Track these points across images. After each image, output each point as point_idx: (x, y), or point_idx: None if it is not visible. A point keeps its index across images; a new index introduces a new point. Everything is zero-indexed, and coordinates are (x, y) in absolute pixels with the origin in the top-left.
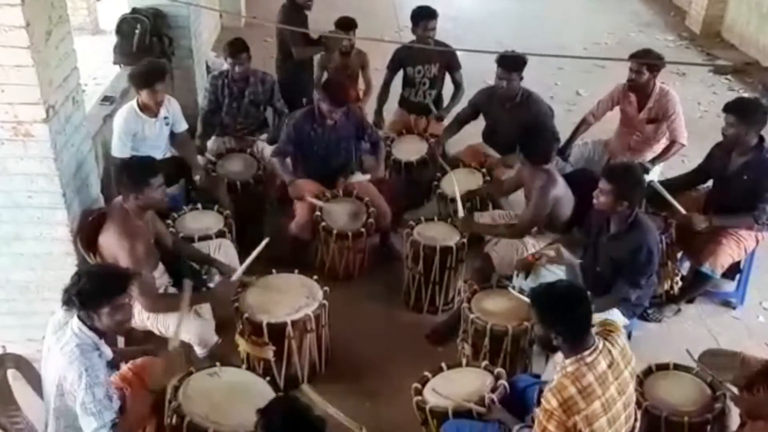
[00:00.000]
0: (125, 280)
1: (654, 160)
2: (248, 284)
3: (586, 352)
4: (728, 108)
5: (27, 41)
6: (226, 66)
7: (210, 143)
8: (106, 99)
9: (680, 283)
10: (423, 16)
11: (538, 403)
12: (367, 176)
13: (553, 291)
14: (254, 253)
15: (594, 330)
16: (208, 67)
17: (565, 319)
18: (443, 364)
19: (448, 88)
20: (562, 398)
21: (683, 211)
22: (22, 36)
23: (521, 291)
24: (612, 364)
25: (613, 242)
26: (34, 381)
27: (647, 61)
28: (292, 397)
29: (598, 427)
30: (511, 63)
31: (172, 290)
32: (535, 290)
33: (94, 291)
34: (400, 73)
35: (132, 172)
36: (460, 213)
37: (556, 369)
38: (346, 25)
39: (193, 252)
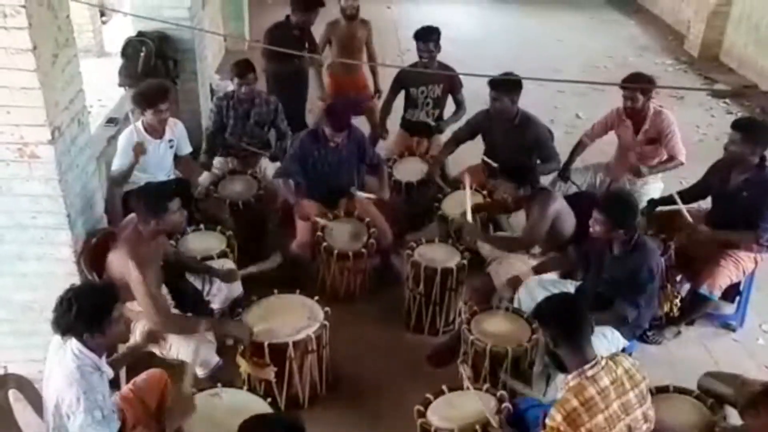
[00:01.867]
0: (113, 289)
1: (652, 168)
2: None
3: (587, 366)
4: (736, 126)
5: (34, 64)
6: (230, 87)
7: (215, 163)
8: (111, 121)
9: (679, 305)
10: (426, 35)
11: (544, 426)
12: (371, 195)
13: (559, 299)
14: (265, 264)
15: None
16: (212, 89)
17: (563, 321)
18: (444, 387)
19: (449, 109)
20: (566, 411)
21: (690, 219)
22: (29, 59)
23: (522, 312)
24: (615, 381)
25: (615, 263)
26: (35, 401)
27: (640, 86)
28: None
29: None
30: (502, 85)
31: (175, 311)
32: (541, 304)
33: (93, 310)
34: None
35: (151, 198)
36: (469, 217)
37: (559, 388)
38: None
39: (193, 264)
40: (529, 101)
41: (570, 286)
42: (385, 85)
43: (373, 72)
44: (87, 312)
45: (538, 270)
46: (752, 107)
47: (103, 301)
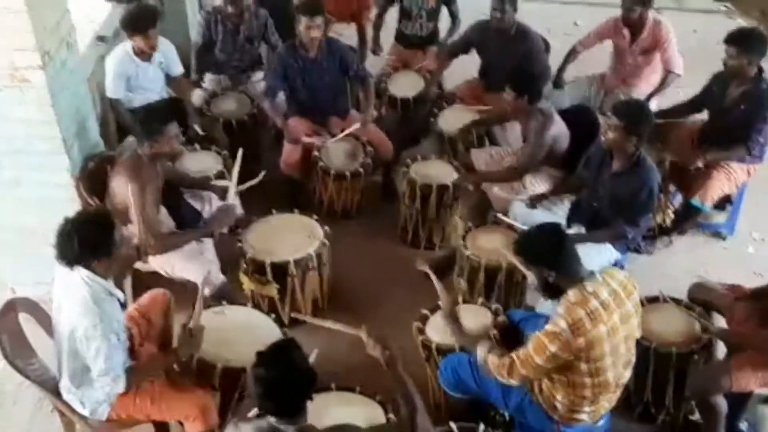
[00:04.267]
0: (108, 213)
1: (650, 96)
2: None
3: (586, 282)
4: (729, 40)
5: None
6: (217, 1)
7: (206, 81)
8: (100, 38)
9: (672, 216)
10: None
11: None
12: (357, 125)
13: (532, 235)
14: (235, 168)
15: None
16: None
17: (551, 255)
18: (440, 302)
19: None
20: (572, 320)
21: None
22: None
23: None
24: (612, 293)
25: (616, 180)
26: (45, 322)
27: None
28: (287, 346)
29: (599, 353)
30: None
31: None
32: (516, 242)
33: (95, 236)
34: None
35: (148, 121)
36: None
37: (558, 302)
38: None
39: (190, 179)
40: (525, 10)
41: (566, 201)
42: None
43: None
44: (90, 239)
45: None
46: (752, 10)
47: (102, 226)
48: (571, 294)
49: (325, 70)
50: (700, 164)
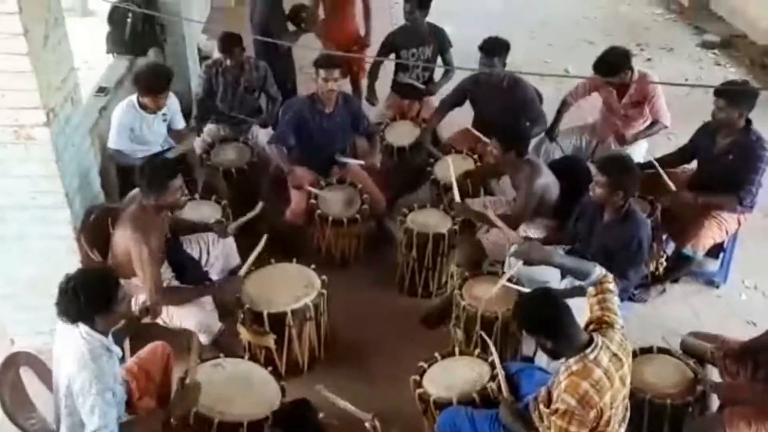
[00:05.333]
0: (112, 271)
1: (636, 135)
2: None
3: (588, 350)
4: (719, 92)
5: (26, 48)
6: (217, 53)
7: (206, 130)
8: (101, 90)
9: (665, 264)
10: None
11: (535, 399)
12: (360, 162)
13: (527, 305)
14: (256, 251)
15: (590, 328)
16: (199, 50)
17: (547, 325)
18: (437, 354)
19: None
20: (579, 395)
21: (673, 187)
22: (21, 43)
23: (513, 277)
24: (612, 357)
25: (606, 231)
26: (45, 376)
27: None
28: (302, 407)
29: (606, 418)
30: (492, 48)
31: (175, 284)
32: (514, 311)
33: (100, 296)
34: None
35: (153, 175)
36: (457, 198)
37: (561, 369)
38: None
39: (189, 225)
40: (518, 56)
41: (559, 251)
42: (374, 39)
43: (366, 18)
44: (95, 298)
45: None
46: (741, 57)
47: (106, 286)
48: (573, 364)
49: (338, 125)
50: (687, 198)
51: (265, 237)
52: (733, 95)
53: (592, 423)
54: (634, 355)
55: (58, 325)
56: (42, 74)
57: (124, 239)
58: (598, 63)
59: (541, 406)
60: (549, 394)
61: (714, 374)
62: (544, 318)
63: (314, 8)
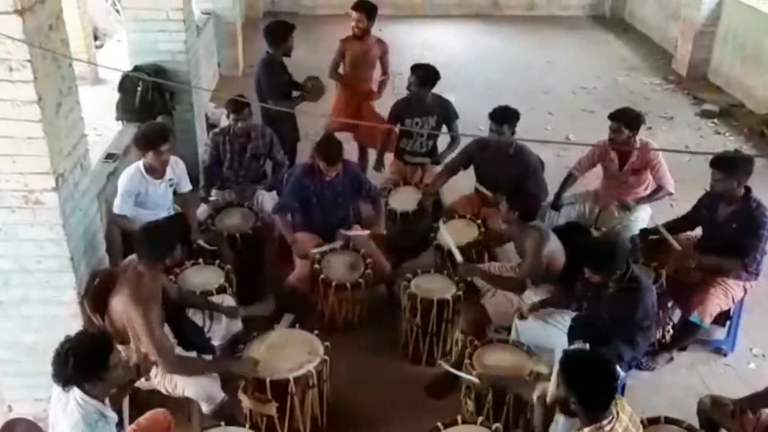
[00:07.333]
0: (106, 337)
1: (639, 201)
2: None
3: (605, 421)
4: (715, 164)
5: (39, 115)
6: (224, 121)
7: (212, 195)
8: (110, 156)
9: (671, 332)
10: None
11: None
12: (366, 232)
13: (585, 359)
14: (262, 310)
15: None
16: (207, 118)
17: (590, 389)
18: (439, 424)
19: (442, 140)
20: None
21: (678, 247)
22: (35, 110)
23: (521, 344)
24: (626, 430)
25: (612, 299)
26: None
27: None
28: None
29: None
30: (503, 117)
31: (178, 349)
32: (567, 354)
33: (90, 361)
34: None
35: (152, 244)
36: (459, 259)
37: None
38: (363, 5)
39: (198, 300)
40: (520, 124)
41: (567, 317)
42: (382, 109)
43: (379, 87)
44: (85, 363)
45: (539, 307)
46: (740, 126)
47: (99, 351)
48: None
49: (340, 192)
50: (693, 265)
51: (272, 303)
52: (728, 166)
53: None
54: (642, 425)
55: (53, 390)
56: (53, 140)
57: (118, 305)
58: (616, 112)
59: None
60: None
61: None
62: (593, 382)
63: (334, 67)
